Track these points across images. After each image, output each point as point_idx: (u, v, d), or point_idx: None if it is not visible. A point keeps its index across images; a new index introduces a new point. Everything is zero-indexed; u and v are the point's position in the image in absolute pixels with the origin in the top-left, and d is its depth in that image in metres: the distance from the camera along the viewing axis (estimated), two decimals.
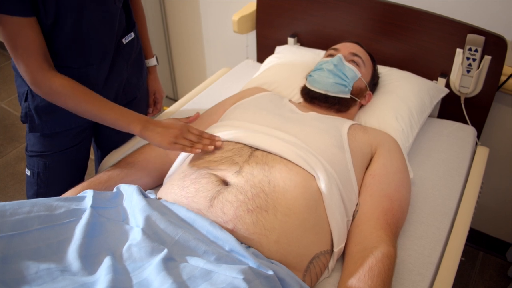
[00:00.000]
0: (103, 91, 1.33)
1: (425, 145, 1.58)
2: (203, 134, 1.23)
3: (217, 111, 1.50)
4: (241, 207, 1.03)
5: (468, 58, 1.61)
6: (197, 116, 1.33)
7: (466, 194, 1.43)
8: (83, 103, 1.20)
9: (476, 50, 1.58)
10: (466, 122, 1.73)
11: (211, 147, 1.19)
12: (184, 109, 1.81)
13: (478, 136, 1.74)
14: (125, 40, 1.43)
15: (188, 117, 1.31)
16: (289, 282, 0.92)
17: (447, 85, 1.73)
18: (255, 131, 1.26)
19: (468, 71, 1.63)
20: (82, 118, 1.41)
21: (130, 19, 1.46)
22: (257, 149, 1.19)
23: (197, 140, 1.20)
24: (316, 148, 1.22)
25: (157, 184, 1.37)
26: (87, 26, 1.26)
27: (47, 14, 1.17)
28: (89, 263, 0.89)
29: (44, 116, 1.34)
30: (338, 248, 1.13)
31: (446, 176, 1.46)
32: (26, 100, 1.34)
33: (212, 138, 1.22)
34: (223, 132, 1.27)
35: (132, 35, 1.46)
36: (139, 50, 1.55)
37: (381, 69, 1.72)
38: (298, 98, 1.60)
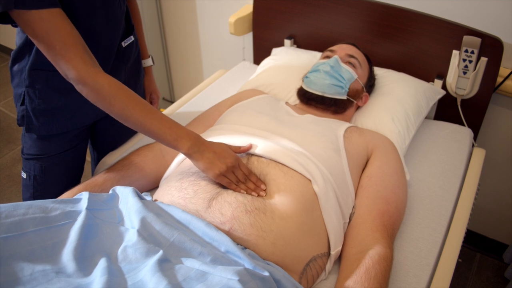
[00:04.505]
0: None
1: (421, 147, 1.59)
2: (251, 176, 1.14)
3: (213, 114, 1.50)
4: (240, 208, 1.04)
5: (464, 60, 1.61)
6: (249, 147, 1.21)
7: (463, 196, 1.43)
8: (129, 107, 1.09)
9: (472, 52, 1.59)
10: (462, 124, 1.73)
11: (255, 194, 1.10)
12: (180, 111, 1.80)
13: (475, 138, 1.74)
14: (124, 44, 1.42)
15: (239, 147, 1.21)
16: (285, 284, 0.92)
17: (444, 87, 1.73)
18: (251, 136, 1.25)
19: (465, 73, 1.63)
20: (80, 121, 1.40)
21: (129, 22, 1.45)
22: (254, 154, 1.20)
23: (243, 180, 1.13)
24: (312, 151, 1.22)
25: (153, 186, 1.36)
26: (94, 30, 1.24)
27: None
28: (84, 264, 0.89)
29: (41, 118, 1.33)
30: (335, 250, 1.13)
31: (443, 178, 1.46)
32: (23, 102, 1.32)
33: (258, 184, 1.13)
34: (219, 136, 1.26)
35: (132, 38, 1.45)
36: (138, 53, 1.54)
37: (378, 70, 1.72)
38: (294, 100, 1.60)
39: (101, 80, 1.08)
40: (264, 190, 1.12)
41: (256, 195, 1.11)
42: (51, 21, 1.04)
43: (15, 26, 1.16)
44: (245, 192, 1.11)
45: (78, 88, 1.10)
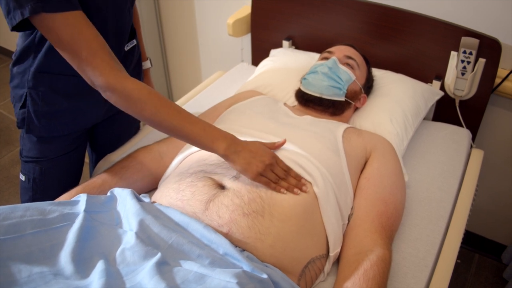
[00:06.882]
0: (102, 98, 1.28)
1: (420, 148, 1.59)
2: (290, 171, 1.13)
3: (212, 115, 1.50)
4: (237, 211, 1.03)
5: (462, 61, 1.61)
6: (283, 142, 1.21)
7: (461, 197, 1.43)
8: (161, 112, 1.05)
9: (470, 53, 1.59)
10: (461, 125, 1.73)
11: (297, 191, 1.09)
12: None
13: (473, 139, 1.74)
14: (126, 47, 1.41)
15: (274, 143, 1.20)
16: (283, 286, 0.92)
17: (442, 88, 1.73)
18: (250, 137, 1.25)
19: (463, 74, 1.63)
20: (81, 124, 1.40)
21: (132, 26, 1.45)
22: None
23: (283, 176, 1.10)
24: (311, 152, 1.21)
25: (152, 188, 1.36)
26: (103, 37, 1.24)
27: None
28: (82, 267, 0.89)
29: (43, 120, 1.32)
30: (334, 252, 1.13)
31: (441, 179, 1.46)
32: (24, 105, 1.30)
33: (299, 179, 1.12)
34: None
35: (134, 42, 1.45)
36: (139, 56, 1.54)
37: (376, 72, 1.72)
38: (293, 101, 1.60)
39: (129, 86, 1.04)
40: (305, 185, 1.11)
41: (299, 192, 1.09)
42: (76, 25, 1.01)
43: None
44: (286, 191, 1.09)
45: (106, 95, 1.06)
